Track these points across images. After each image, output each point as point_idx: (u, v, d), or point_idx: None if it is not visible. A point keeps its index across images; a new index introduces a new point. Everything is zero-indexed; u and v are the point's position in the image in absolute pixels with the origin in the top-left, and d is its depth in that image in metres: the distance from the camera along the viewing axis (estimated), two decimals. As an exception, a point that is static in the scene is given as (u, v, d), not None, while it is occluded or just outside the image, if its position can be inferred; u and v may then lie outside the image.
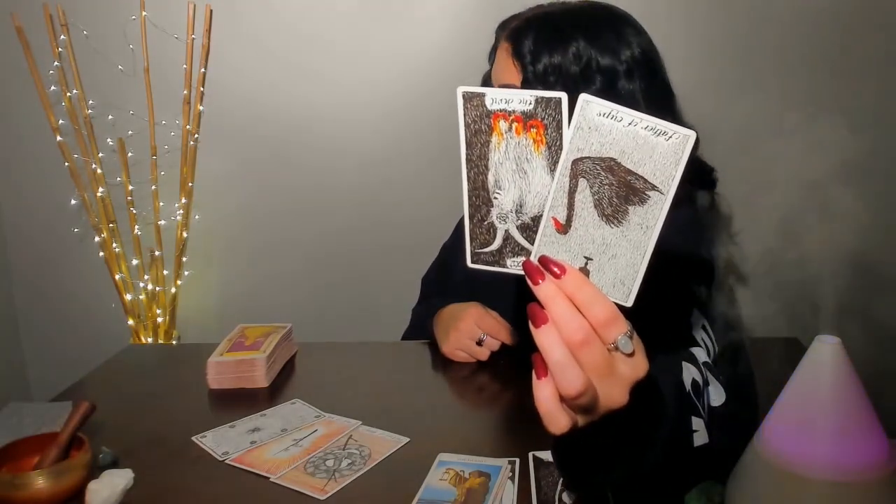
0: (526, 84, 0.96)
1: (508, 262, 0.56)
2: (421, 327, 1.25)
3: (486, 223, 0.56)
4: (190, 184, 1.93)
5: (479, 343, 1.12)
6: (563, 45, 0.95)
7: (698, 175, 1.03)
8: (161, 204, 1.93)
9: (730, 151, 1.80)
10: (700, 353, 0.84)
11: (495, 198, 0.55)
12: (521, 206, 0.55)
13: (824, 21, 1.74)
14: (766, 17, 1.75)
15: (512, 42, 0.97)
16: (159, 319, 1.95)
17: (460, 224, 1.36)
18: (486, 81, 1.08)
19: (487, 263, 0.57)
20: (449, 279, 1.29)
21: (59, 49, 1.83)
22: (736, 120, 1.80)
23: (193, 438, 0.89)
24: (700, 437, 0.78)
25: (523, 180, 0.54)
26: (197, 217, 1.99)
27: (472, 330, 1.13)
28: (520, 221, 0.55)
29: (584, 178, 0.52)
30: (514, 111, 0.53)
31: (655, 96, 0.96)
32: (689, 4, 1.77)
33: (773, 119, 1.78)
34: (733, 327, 0.92)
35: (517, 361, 1.09)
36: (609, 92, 0.94)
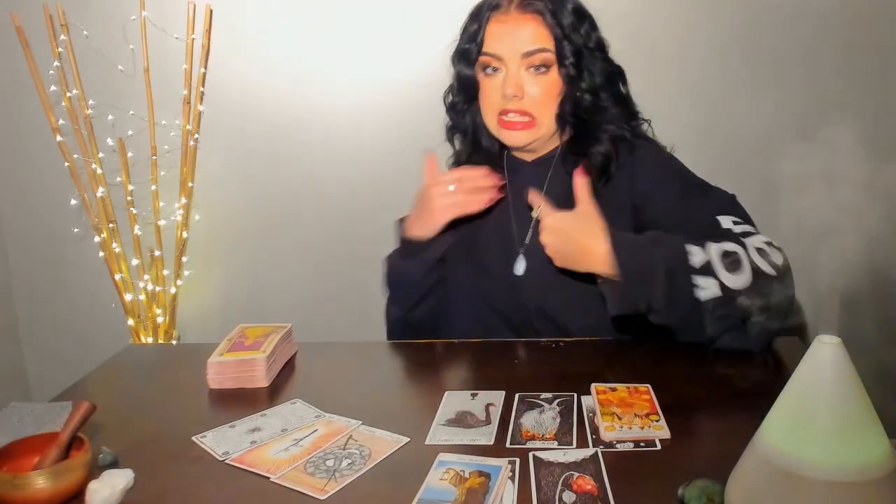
0: (560, 50, 1.12)
1: None
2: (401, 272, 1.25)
3: None
4: (190, 184, 1.93)
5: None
6: (588, 20, 1.15)
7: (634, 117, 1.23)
8: (161, 204, 1.93)
9: (742, 152, 1.81)
10: (728, 245, 1.01)
11: None
12: None
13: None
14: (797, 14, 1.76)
15: (548, 11, 1.11)
16: (159, 319, 1.96)
17: None
18: (468, 59, 1.18)
19: None
20: None
21: (59, 49, 1.83)
22: (752, 123, 1.80)
23: (193, 438, 0.88)
24: (707, 293, 0.97)
25: None
26: (197, 217, 1.99)
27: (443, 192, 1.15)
28: None
29: None
30: None
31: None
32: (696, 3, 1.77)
33: (788, 121, 1.78)
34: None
35: (517, 363, 1.08)
36: (604, 62, 1.17)
